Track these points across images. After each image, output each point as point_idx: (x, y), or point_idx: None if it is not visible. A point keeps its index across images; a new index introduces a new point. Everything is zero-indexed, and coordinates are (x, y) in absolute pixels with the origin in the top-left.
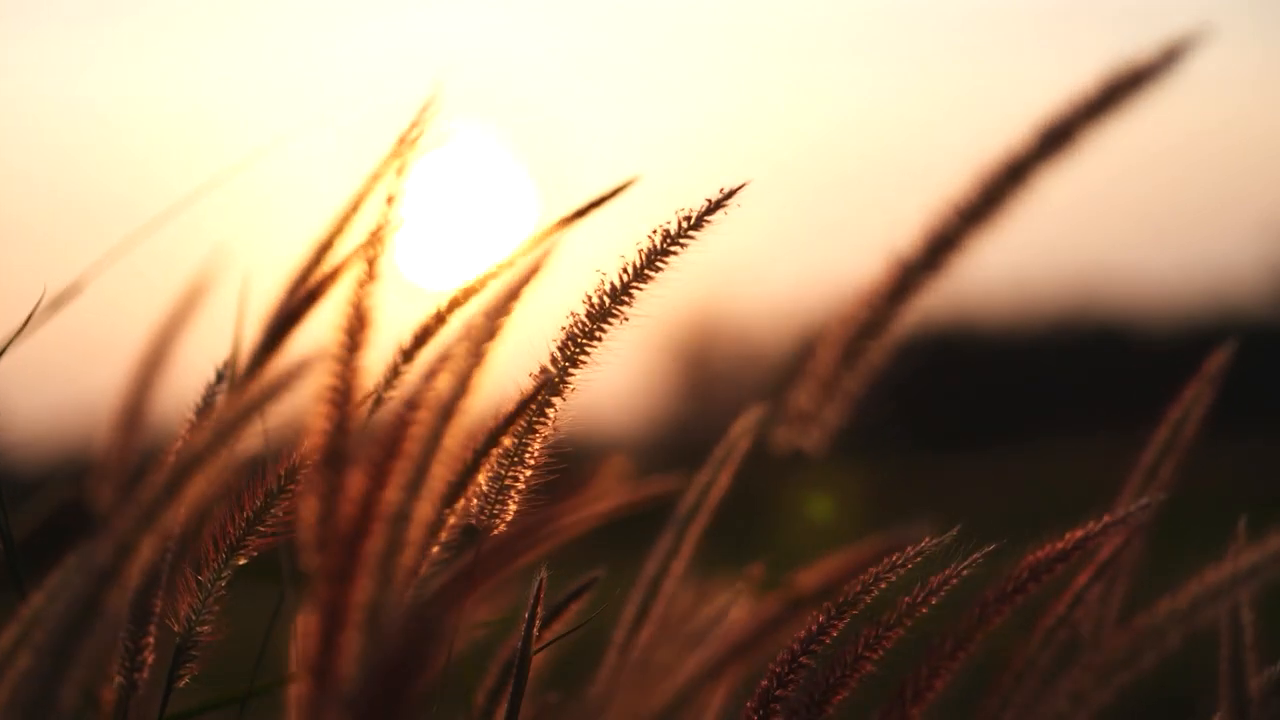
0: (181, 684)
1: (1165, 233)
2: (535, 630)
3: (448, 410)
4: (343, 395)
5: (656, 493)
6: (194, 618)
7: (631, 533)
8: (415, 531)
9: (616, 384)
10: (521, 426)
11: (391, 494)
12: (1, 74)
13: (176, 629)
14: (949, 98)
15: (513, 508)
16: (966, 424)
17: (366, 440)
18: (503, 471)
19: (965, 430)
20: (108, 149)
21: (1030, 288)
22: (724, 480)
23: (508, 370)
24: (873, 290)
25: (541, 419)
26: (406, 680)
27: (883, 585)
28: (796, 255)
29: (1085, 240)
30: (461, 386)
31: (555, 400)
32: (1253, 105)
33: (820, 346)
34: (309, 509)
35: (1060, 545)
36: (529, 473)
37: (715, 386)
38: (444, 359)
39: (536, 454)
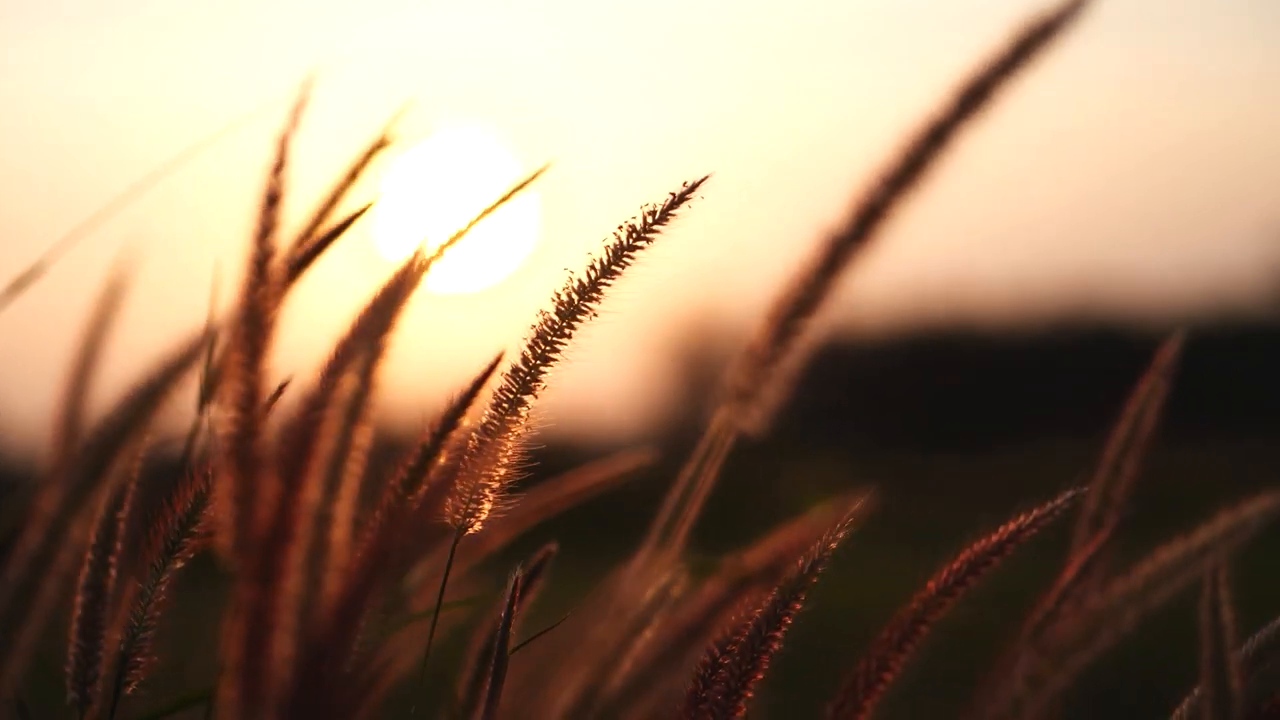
0: (129, 690)
1: (1165, 233)
2: (512, 622)
3: (355, 407)
4: (248, 399)
5: (621, 472)
6: (136, 624)
7: (623, 530)
8: (336, 529)
9: (617, 384)
10: (495, 425)
11: (306, 494)
12: (1, 74)
13: (119, 637)
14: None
15: (488, 506)
16: (966, 424)
17: (278, 441)
18: (477, 470)
19: (965, 430)
20: (108, 149)
21: (1030, 288)
22: (710, 474)
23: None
24: (804, 266)
25: (514, 416)
26: (328, 676)
27: (818, 571)
28: (796, 254)
29: (1085, 240)
30: (365, 381)
31: (527, 398)
32: (1253, 105)
33: (756, 325)
34: (225, 513)
35: (995, 538)
36: (504, 471)
37: (715, 385)
38: (344, 355)
39: (511, 452)
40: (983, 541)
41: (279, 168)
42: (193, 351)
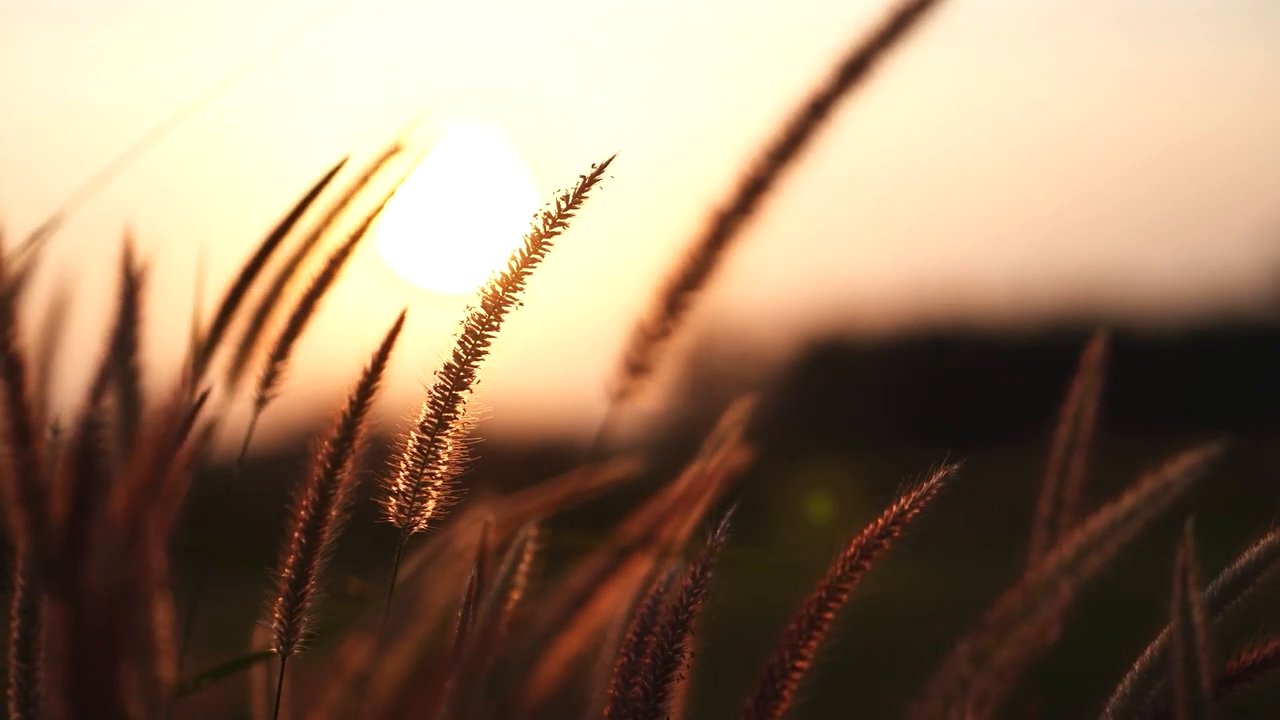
0: None
1: (1165, 233)
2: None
3: (126, 425)
4: (21, 432)
5: (611, 480)
6: None
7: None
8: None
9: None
10: (433, 422)
11: (95, 514)
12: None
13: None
14: (948, 98)
15: (431, 505)
16: (966, 424)
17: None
18: (418, 469)
19: (965, 430)
20: (105, 148)
21: (1030, 288)
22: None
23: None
24: (691, 239)
25: (451, 413)
26: (113, 663)
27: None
28: (794, 254)
29: (1085, 240)
30: (133, 401)
31: (462, 394)
32: (1253, 105)
33: (646, 298)
34: (22, 541)
35: (881, 521)
36: (445, 468)
37: (715, 385)
38: (104, 375)
39: (452, 450)
40: (870, 527)
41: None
42: None
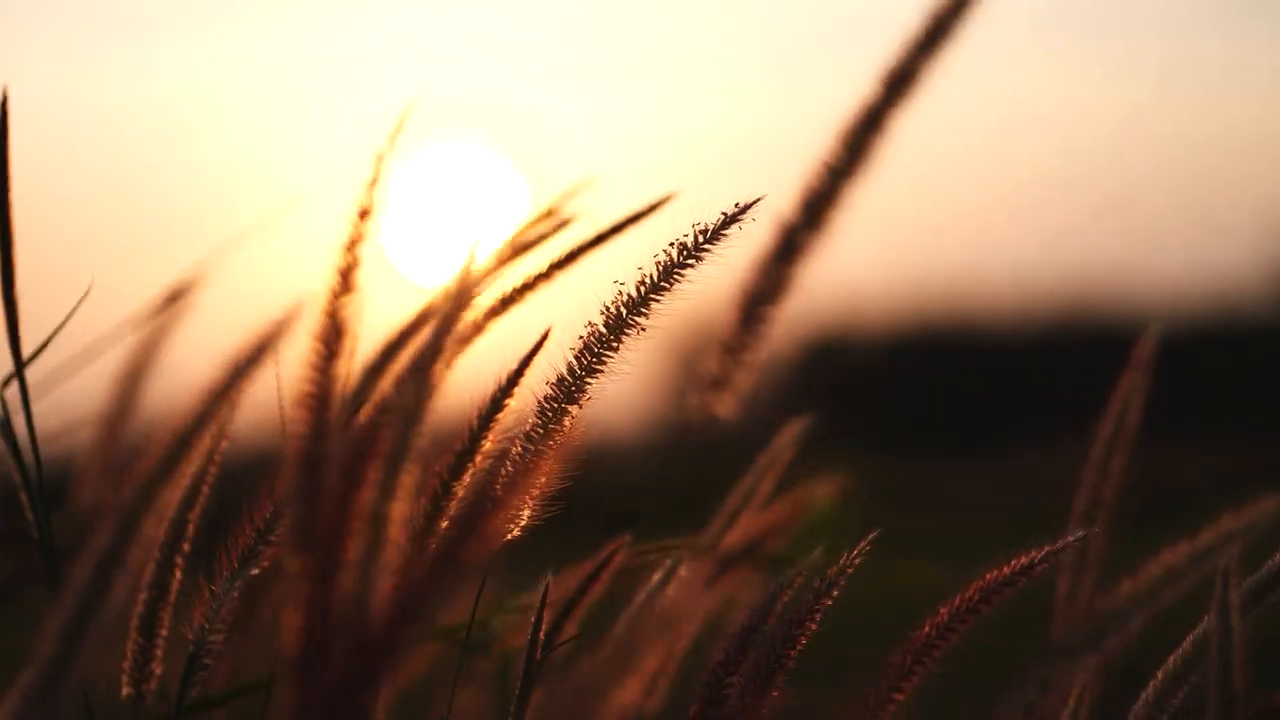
0: (195, 692)
1: (1165, 233)
2: (543, 629)
3: (414, 412)
4: (320, 402)
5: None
6: (207, 627)
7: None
8: (393, 530)
9: (624, 387)
10: (539, 433)
11: (367, 495)
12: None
13: (190, 637)
14: (948, 98)
15: (527, 513)
16: (967, 424)
17: (343, 443)
18: (521, 476)
19: (966, 430)
20: (107, 150)
21: (1030, 288)
22: (766, 488)
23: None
24: (761, 255)
25: (558, 425)
26: (383, 664)
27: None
28: (756, 244)
29: (1086, 240)
30: (426, 389)
31: (571, 408)
32: (1253, 105)
33: (722, 314)
34: (290, 512)
35: (1009, 569)
36: (544, 479)
37: (690, 375)
38: (410, 362)
39: (553, 460)
40: (995, 572)
41: (373, 183)
42: (262, 351)
